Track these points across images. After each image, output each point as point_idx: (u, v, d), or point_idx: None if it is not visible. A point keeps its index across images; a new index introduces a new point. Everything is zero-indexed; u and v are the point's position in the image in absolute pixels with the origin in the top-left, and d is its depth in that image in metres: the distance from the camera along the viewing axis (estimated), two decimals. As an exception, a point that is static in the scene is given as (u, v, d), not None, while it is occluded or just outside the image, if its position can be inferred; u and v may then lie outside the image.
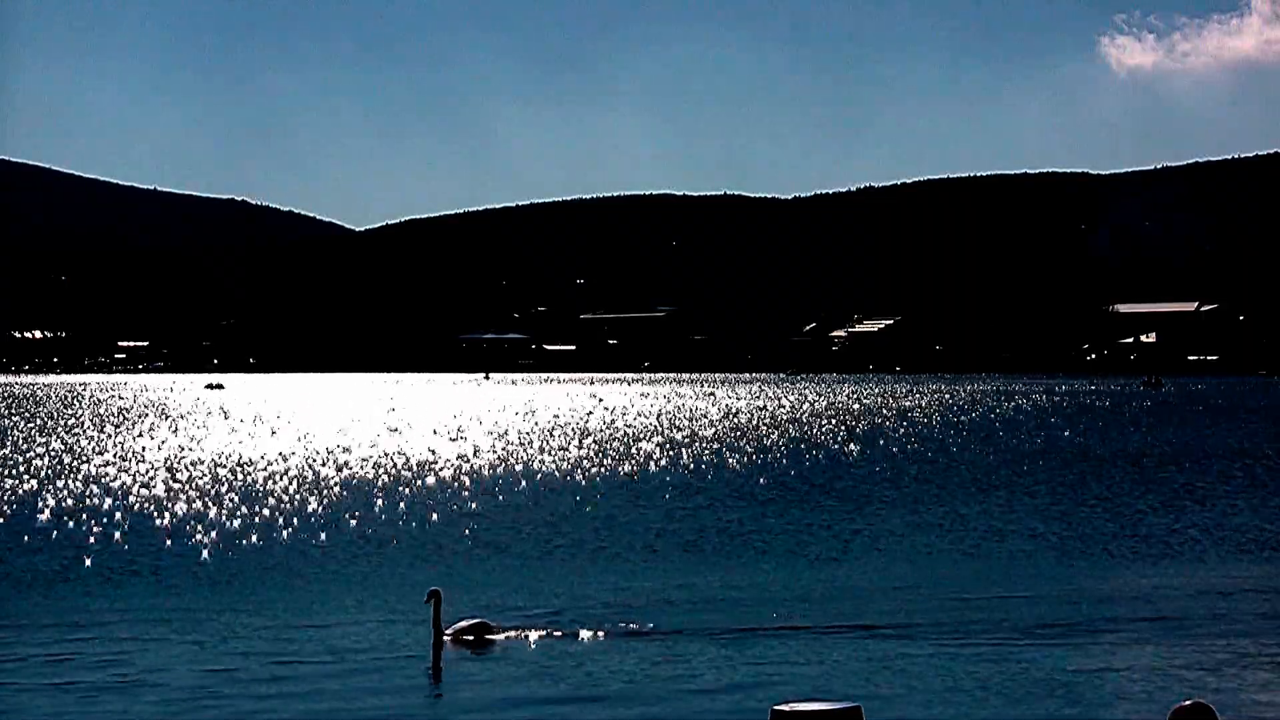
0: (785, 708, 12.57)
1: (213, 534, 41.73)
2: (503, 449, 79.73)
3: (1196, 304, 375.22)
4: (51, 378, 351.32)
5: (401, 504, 50.12)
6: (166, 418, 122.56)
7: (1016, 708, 21.62)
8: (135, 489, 54.69)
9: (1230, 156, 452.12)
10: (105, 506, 48.68)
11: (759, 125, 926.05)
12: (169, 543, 39.96)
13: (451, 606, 27.12)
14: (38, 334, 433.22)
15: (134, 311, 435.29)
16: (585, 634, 26.94)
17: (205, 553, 38.04)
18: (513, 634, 26.75)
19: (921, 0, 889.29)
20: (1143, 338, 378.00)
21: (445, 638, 25.86)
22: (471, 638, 26.14)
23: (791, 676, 23.52)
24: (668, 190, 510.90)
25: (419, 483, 58.34)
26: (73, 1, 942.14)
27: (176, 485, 56.23)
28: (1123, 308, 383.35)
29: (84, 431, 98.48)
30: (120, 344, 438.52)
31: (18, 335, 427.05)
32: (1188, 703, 12.19)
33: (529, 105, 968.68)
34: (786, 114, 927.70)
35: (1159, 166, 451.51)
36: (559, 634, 26.95)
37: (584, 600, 30.74)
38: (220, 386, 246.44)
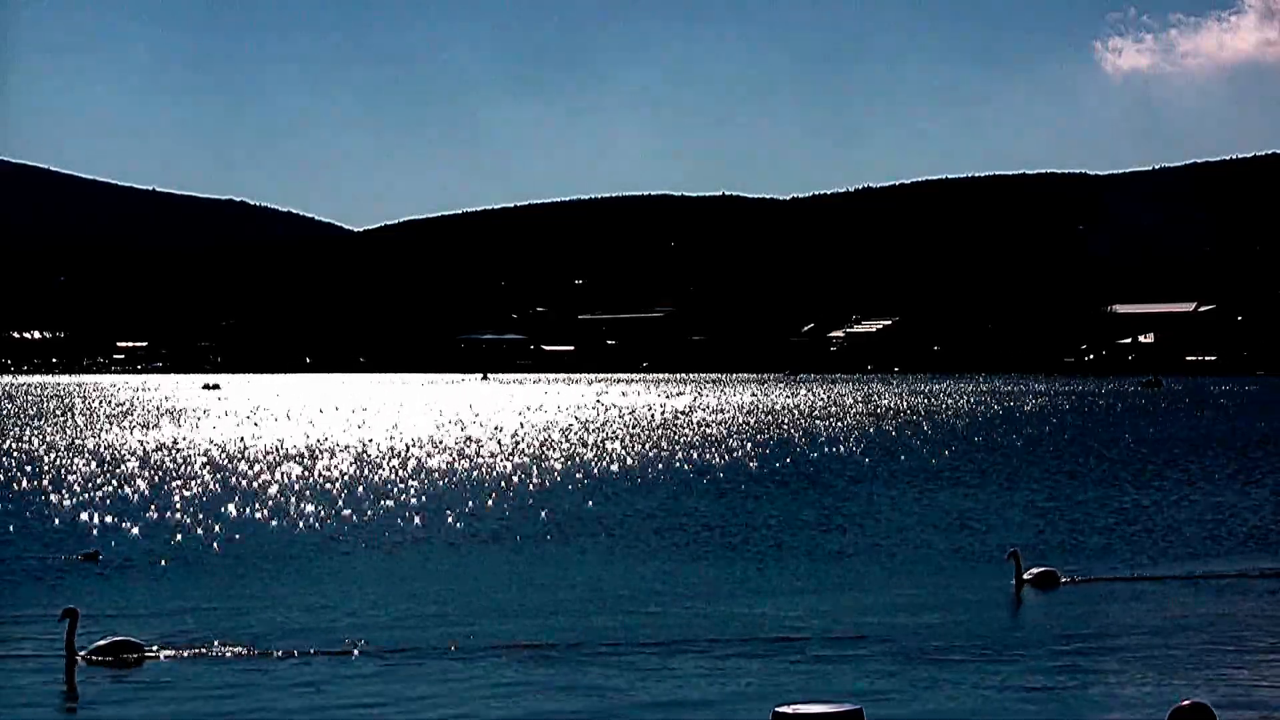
0: (788, 709, 12.60)
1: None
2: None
3: (1195, 304, 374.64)
4: (51, 378, 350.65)
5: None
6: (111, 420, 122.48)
7: (1017, 708, 21.68)
8: None
9: (1229, 157, 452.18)
10: None
11: (758, 126, 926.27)
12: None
13: (87, 627, 25.77)
14: (37, 334, 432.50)
15: (133, 312, 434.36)
16: (234, 650, 25.36)
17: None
18: (161, 653, 25.09)
19: (919, 2, 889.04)
20: (1141, 338, 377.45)
21: (79, 658, 24.51)
22: (109, 658, 24.62)
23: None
24: (666, 191, 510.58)
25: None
26: (73, 2, 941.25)
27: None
28: (1121, 308, 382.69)
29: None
30: (119, 344, 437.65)
31: (16, 336, 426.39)
32: (1186, 703, 12.27)
33: (528, 105, 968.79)
34: (785, 115, 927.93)
35: (1158, 167, 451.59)
36: (218, 653, 25.20)
37: (260, 616, 28.86)
38: (216, 387, 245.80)
